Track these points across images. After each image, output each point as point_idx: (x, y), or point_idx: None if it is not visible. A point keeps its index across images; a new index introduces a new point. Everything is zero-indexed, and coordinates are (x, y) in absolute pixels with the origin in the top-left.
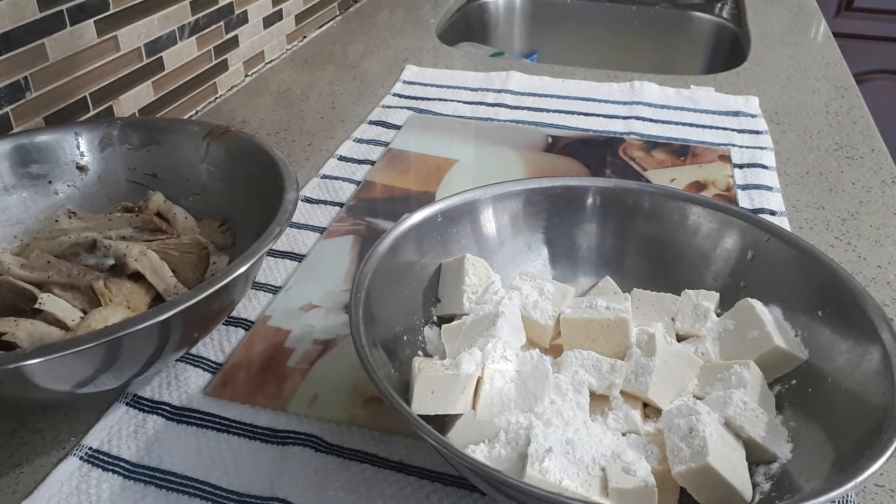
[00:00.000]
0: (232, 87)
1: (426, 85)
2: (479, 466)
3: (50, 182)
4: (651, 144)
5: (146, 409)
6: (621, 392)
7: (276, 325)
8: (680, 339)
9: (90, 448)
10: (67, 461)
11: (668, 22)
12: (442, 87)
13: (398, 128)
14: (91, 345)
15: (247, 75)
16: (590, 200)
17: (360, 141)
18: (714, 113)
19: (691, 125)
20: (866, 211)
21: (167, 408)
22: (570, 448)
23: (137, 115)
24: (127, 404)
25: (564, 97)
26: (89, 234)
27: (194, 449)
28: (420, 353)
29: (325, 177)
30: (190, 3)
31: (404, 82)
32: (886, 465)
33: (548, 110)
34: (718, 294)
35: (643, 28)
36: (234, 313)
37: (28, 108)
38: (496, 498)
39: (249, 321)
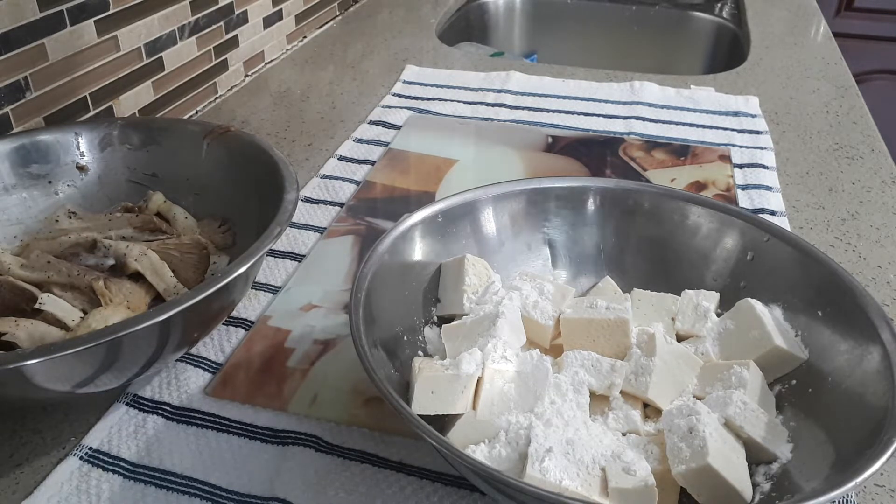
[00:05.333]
0: (232, 87)
1: (426, 85)
2: (479, 466)
3: (50, 182)
4: (651, 144)
5: (146, 409)
6: (621, 392)
7: (276, 325)
8: (680, 339)
9: (90, 448)
10: (67, 461)
11: (668, 22)
12: (442, 87)
13: (398, 128)
14: (91, 345)
15: (247, 75)
16: (590, 200)
17: (360, 141)
18: (714, 113)
19: (691, 125)
20: (866, 211)
21: (167, 408)
22: (570, 448)
23: (137, 115)
24: (127, 404)
25: (564, 97)
26: (89, 234)
27: (194, 449)
28: (420, 353)
29: (325, 177)
30: (190, 3)
31: (404, 82)
32: (886, 465)
33: (548, 110)
34: (718, 294)
35: (643, 28)
36: (234, 313)
37: (28, 108)
38: (496, 498)
39: (249, 321)
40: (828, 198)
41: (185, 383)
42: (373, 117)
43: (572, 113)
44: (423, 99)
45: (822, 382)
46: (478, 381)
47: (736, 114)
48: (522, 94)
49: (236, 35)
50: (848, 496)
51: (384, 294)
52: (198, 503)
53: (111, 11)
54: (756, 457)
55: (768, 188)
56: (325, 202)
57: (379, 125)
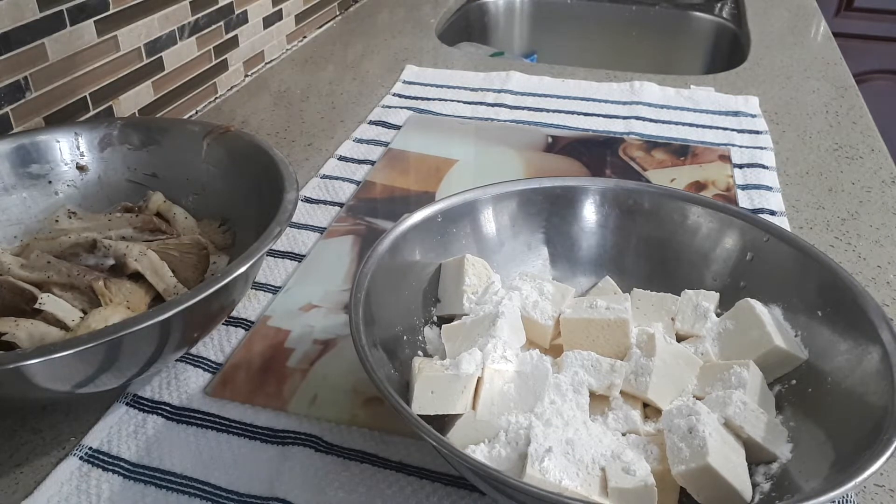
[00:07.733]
0: (232, 87)
1: (426, 85)
2: (479, 466)
3: (50, 182)
4: (651, 144)
5: (146, 409)
6: (621, 392)
7: (276, 325)
8: (680, 339)
9: (90, 448)
10: (67, 461)
11: (668, 22)
12: (442, 87)
13: (398, 128)
14: (91, 345)
15: (247, 75)
16: (590, 200)
17: (360, 141)
18: (714, 113)
19: (691, 125)
20: (866, 211)
21: (167, 408)
22: (569, 448)
23: (137, 115)
24: (127, 404)
25: (564, 97)
26: (89, 234)
27: (194, 449)
28: (420, 353)
29: (325, 177)
30: (190, 3)
31: (404, 82)
32: (886, 465)
33: (548, 110)
34: (718, 294)
35: (643, 28)
36: (234, 313)
37: (28, 108)
38: (496, 498)
39: (249, 321)
40: (828, 198)
41: (185, 383)
42: (373, 117)
43: (572, 113)
44: (423, 99)
45: (822, 382)
46: (478, 381)
47: (736, 114)
48: (522, 94)
49: (236, 35)
50: (848, 496)
51: (384, 294)
52: (198, 503)
53: (111, 11)
54: (756, 457)
55: (768, 188)
56: (325, 202)
57: (379, 125)
